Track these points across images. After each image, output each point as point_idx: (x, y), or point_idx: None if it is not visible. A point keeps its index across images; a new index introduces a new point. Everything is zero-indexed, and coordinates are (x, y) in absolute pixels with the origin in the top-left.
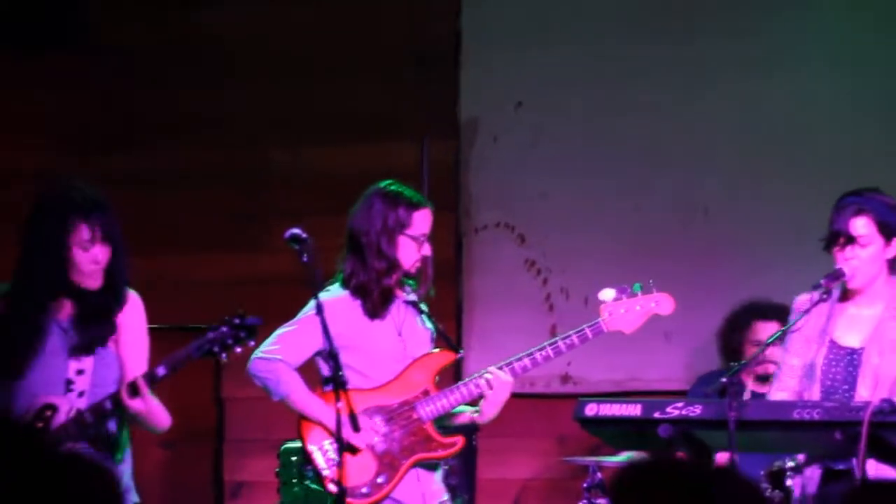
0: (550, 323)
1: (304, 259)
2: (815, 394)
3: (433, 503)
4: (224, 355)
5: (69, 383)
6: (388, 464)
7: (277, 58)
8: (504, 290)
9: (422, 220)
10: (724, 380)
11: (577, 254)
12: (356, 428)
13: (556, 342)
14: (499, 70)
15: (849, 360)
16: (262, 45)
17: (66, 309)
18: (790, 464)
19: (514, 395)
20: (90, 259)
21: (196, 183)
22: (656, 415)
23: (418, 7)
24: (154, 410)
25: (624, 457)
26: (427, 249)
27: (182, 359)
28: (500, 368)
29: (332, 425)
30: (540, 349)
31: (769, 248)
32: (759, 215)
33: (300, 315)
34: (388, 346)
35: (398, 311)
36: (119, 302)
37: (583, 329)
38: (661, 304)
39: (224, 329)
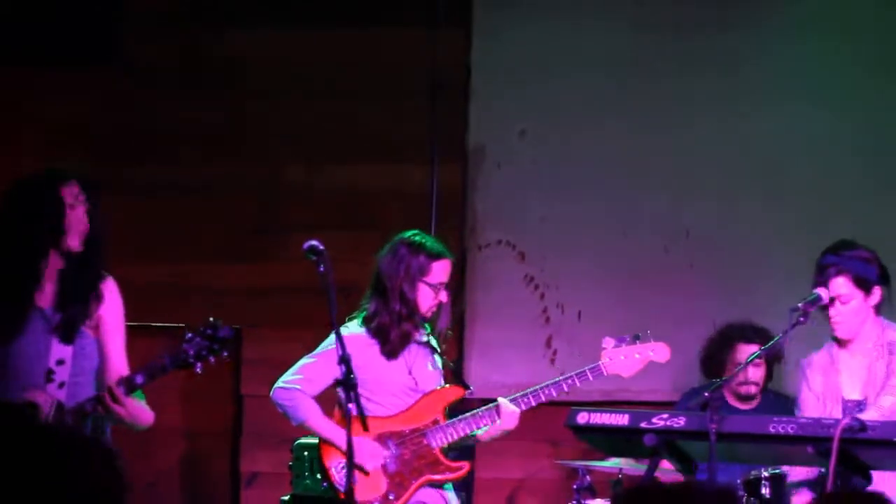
0: (546, 335)
1: (321, 269)
2: None
3: None
4: (199, 366)
5: (50, 373)
6: (398, 483)
7: (298, 79)
8: (504, 304)
9: (440, 270)
10: (706, 395)
11: (572, 271)
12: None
13: (559, 382)
14: (504, 101)
15: (858, 412)
16: (284, 67)
17: (48, 292)
18: (765, 473)
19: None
20: (77, 217)
21: (216, 195)
22: (643, 425)
23: (432, 40)
24: (134, 412)
25: (613, 462)
26: (444, 296)
27: (158, 368)
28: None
29: (344, 447)
30: (544, 387)
31: (750, 270)
32: (740, 238)
33: (321, 348)
34: (399, 382)
35: (409, 352)
36: (97, 273)
37: (584, 371)
38: (658, 352)
39: (199, 340)
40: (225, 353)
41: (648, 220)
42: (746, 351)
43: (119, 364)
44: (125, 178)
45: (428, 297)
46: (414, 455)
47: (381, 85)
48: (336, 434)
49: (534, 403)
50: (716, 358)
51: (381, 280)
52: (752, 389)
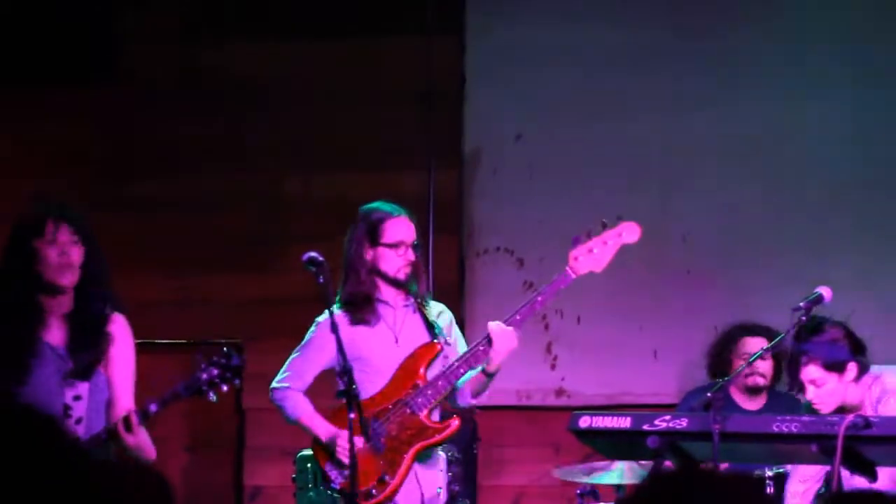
0: (546, 340)
1: (321, 280)
2: None
3: None
4: (212, 395)
5: (67, 409)
6: (390, 461)
7: (293, 90)
8: (503, 310)
9: (394, 228)
10: (709, 395)
11: None
12: (367, 437)
13: (534, 297)
14: (499, 106)
15: None
16: (280, 78)
17: (57, 332)
18: (769, 472)
19: (512, 408)
20: (57, 252)
21: (215, 208)
22: (645, 427)
23: (426, 47)
24: (143, 445)
25: (614, 471)
26: (410, 255)
27: (171, 397)
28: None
29: (326, 442)
30: (522, 306)
31: (749, 272)
32: (739, 241)
33: (304, 339)
34: (385, 356)
35: (395, 319)
36: (102, 308)
37: (555, 280)
38: (628, 232)
39: (213, 371)
40: (237, 382)
41: (646, 224)
42: (751, 343)
43: (125, 400)
44: (126, 193)
45: (391, 259)
46: (400, 428)
47: (375, 93)
48: (325, 431)
49: (519, 319)
50: (722, 355)
51: (345, 258)
52: (760, 381)
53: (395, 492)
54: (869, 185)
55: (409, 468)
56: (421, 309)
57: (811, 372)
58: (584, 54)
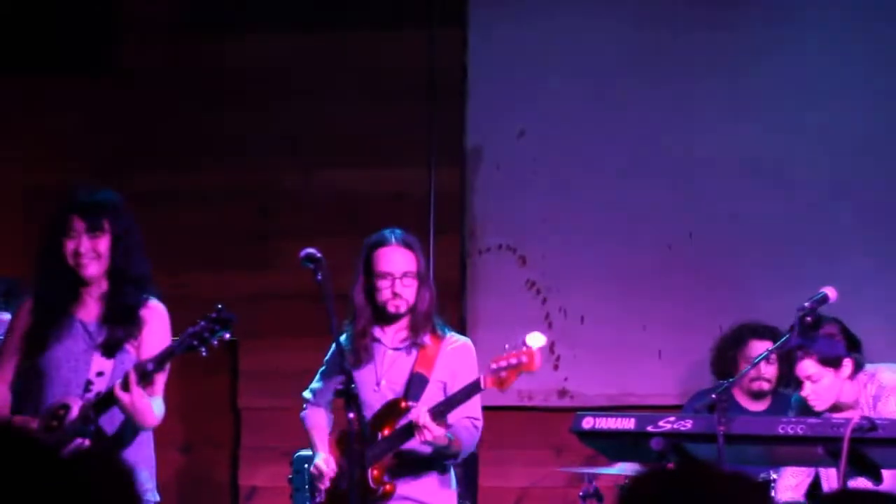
0: (550, 340)
1: (318, 278)
2: None
3: None
4: (203, 349)
5: (88, 384)
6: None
7: (294, 84)
8: (506, 309)
9: (384, 258)
10: (713, 396)
11: (575, 275)
12: (365, 436)
13: (454, 397)
14: (502, 102)
15: None
16: (280, 72)
17: (92, 310)
18: (774, 476)
19: (514, 409)
20: (73, 248)
21: (214, 203)
22: (649, 428)
23: (429, 41)
24: (139, 406)
25: (617, 469)
26: (398, 287)
27: (166, 354)
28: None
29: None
30: (445, 401)
31: (754, 272)
32: (744, 240)
33: (328, 355)
34: (370, 392)
35: (384, 361)
36: (135, 293)
37: (468, 387)
38: (528, 359)
39: (202, 323)
40: (227, 335)
41: (651, 222)
42: (758, 347)
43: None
44: (123, 187)
45: (379, 290)
46: (361, 476)
47: (377, 88)
48: (316, 449)
49: (442, 411)
50: (727, 356)
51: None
52: (765, 386)
53: None
54: (877, 185)
55: None
56: (419, 351)
57: (807, 367)
58: (588, 50)
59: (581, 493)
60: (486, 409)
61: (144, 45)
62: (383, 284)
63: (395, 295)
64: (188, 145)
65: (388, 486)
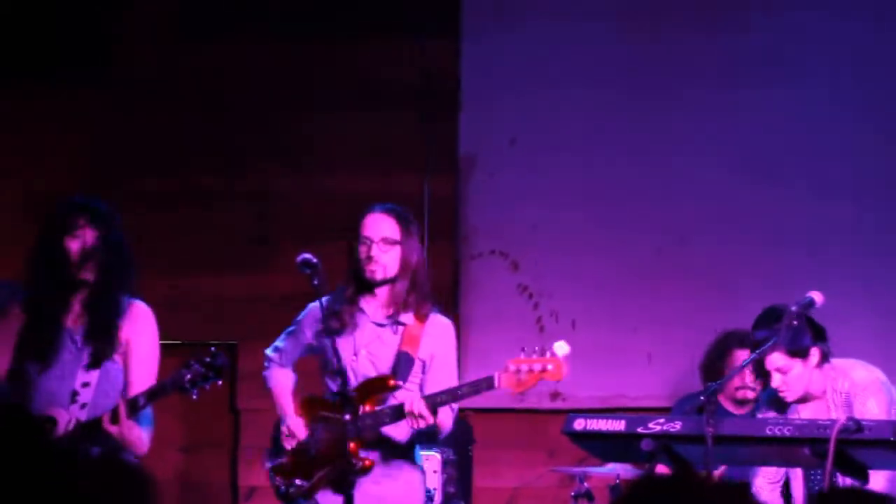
0: (542, 343)
1: (315, 282)
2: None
3: None
4: (195, 392)
5: (74, 394)
6: (306, 470)
7: (290, 92)
8: (498, 314)
9: (366, 223)
10: (701, 398)
11: (566, 280)
12: (360, 439)
13: (458, 389)
14: (495, 110)
15: None
16: (277, 80)
17: (79, 321)
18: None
19: (508, 411)
20: (78, 246)
21: (211, 207)
22: (639, 430)
23: (422, 50)
24: (129, 438)
25: (608, 469)
26: (374, 250)
27: (158, 391)
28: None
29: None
30: (445, 392)
31: (746, 275)
32: (735, 243)
33: (299, 317)
34: (348, 362)
35: (365, 333)
36: (118, 297)
37: (479, 382)
38: (554, 369)
39: (197, 367)
40: (219, 382)
41: (642, 226)
42: (743, 356)
43: (139, 387)
44: (116, 192)
45: (360, 253)
46: (329, 443)
47: (372, 95)
48: (281, 411)
49: (440, 402)
50: (714, 365)
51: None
52: (750, 394)
53: (300, 497)
54: (867, 190)
55: (320, 483)
56: (404, 329)
57: (776, 359)
58: (579, 59)
59: (573, 493)
60: (478, 410)
61: (140, 51)
62: (362, 249)
63: (369, 258)
64: (183, 150)
65: (367, 461)
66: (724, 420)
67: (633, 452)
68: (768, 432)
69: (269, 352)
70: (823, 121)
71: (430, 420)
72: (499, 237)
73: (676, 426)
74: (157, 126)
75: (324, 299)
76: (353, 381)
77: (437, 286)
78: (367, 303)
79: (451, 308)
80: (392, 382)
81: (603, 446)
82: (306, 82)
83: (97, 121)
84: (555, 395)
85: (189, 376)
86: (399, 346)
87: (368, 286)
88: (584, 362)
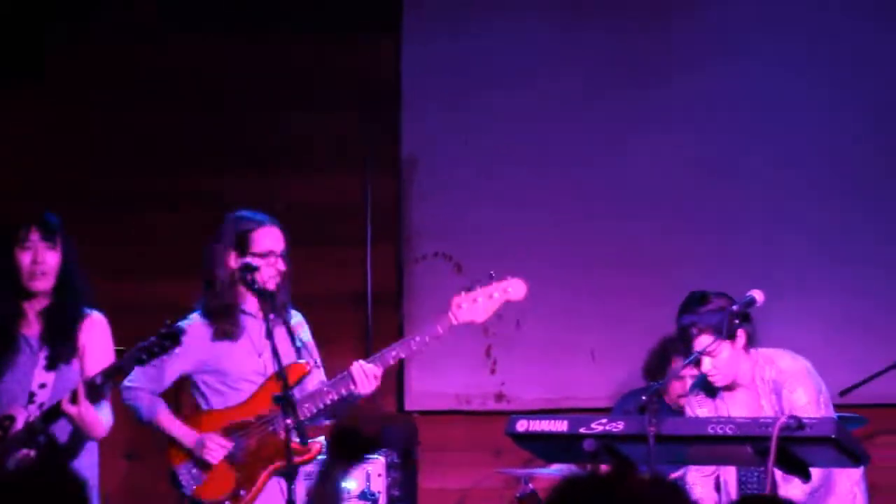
0: (486, 344)
1: (255, 287)
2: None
3: None
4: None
5: (31, 395)
6: (247, 476)
7: (232, 93)
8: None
9: (264, 237)
10: (643, 398)
11: None
12: (304, 439)
13: (407, 340)
14: (437, 110)
15: None
16: (219, 81)
17: (34, 325)
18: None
19: (453, 413)
20: (30, 259)
21: (154, 208)
22: (582, 430)
23: (365, 49)
24: (88, 418)
25: (553, 470)
26: (280, 265)
27: (114, 368)
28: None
29: (191, 445)
30: (393, 347)
31: (693, 277)
32: (683, 246)
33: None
34: (247, 369)
35: (260, 332)
36: (76, 307)
37: (434, 326)
38: (515, 288)
39: (152, 339)
40: (176, 350)
41: (586, 227)
42: (681, 363)
43: None
44: (83, 193)
45: (261, 269)
46: (260, 444)
47: (313, 96)
48: (190, 434)
49: (390, 362)
50: (658, 362)
51: (207, 266)
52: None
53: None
54: (818, 189)
55: (264, 485)
56: (287, 322)
57: (704, 342)
58: (521, 58)
59: (518, 495)
60: (425, 413)
61: (86, 51)
62: (266, 263)
63: (277, 273)
64: (128, 150)
65: (318, 442)
66: (666, 419)
67: (576, 453)
68: (710, 431)
69: (129, 384)
70: (774, 117)
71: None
72: (442, 239)
73: (619, 426)
74: (101, 125)
75: (188, 322)
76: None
77: (381, 289)
78: (252, 305)
79: (394, 311)
80: (308, 368)
81: (546, 447)
82: (245, 83)
83: (56, 123)
84: (499, 397)
85: (144, 346)
86: (289, 334)
87: (260, 294)
88: (529, 363)
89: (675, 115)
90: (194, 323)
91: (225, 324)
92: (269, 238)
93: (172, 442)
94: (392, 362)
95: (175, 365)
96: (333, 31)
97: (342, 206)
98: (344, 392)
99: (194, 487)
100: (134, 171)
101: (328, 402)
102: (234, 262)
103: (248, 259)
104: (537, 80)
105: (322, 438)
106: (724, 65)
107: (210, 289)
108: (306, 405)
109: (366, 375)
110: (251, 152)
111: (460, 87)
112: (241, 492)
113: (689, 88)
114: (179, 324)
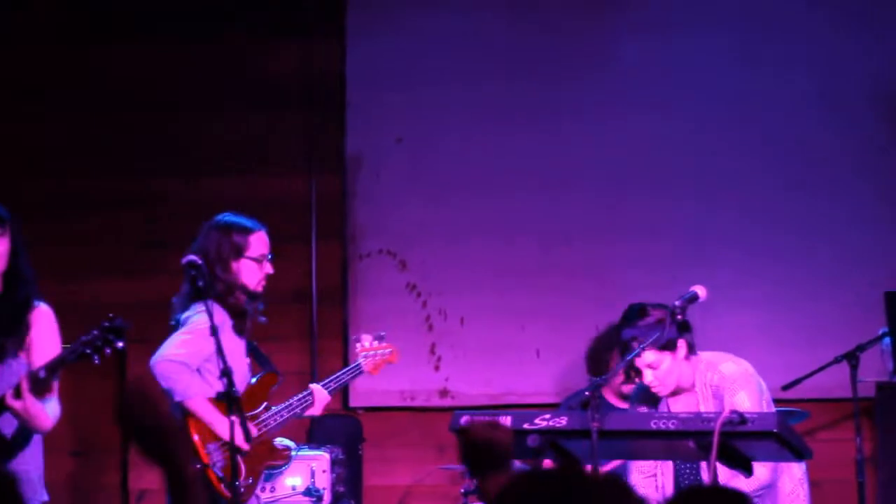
0: (431, 341)
1: (200, 283)
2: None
3: None
4: (96, 358)
5: None
6: (251, 467)
7: (177, 93)
8: (387, 312)
9: (258, 242)
10: (586, 393)
11: (454, 278)
12: (248, 437)
13: (340, 375)
14: (380, 108)
15: None
16: (162, 81)
17: None
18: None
19: (397, 409)
20: None
21: (101, 210)
22: (526, 426)
23: (306, 49)
24: (32, 411)
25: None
26: (269, 268)
27: (58, 362)
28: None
29: (222, 431)
30: (338, 375)
31: (632, 272)
32: (621, 240)
33: (192, 325)
34: (242, 364)
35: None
36: (26, 297)
37: (351, 369)
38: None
39: (95, 332)
40: (120, 344)
41: (528, 224)
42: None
43: None
44: (12, 196)
45: (253, 272)
46: (257, 439)
47: (257, 96)
48: (218, 418)
49: (334, 387)
50: (601, 358)
51: (214, 264)
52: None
53: (249, 496)
54: (753, 183)
55: (258, 481)
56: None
57: (646, 356)
58: (464, 57)
59: (462, 490)
60: (369, 409)
61: (27, 52)
62: (258, 266)
63: (265, 276)
64: (73, 153)
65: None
66: (609, 414)
67: (521, 448)
68: (653, 426)
69: (174, 358)
70: (709, 117)
71: None
72: (386, 236)
73: (562, 421)
74: (45, 129)
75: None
76: (248, 378)
77: (326, 287)
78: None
79: (339, 308)
80: (279, 379)
81: None
82: (191, 82)
83: None
84: (444, 393)
85: (87, 340)
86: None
87: (250, 297)
88: (473, 359)
89: (616, 104)
90: (217, 312)
91: (243, 322)
92: (262, 242)
93: (197, 422)
94: (334, 391)
95: (206, 348)
96: (278, 29)
97: (287, 203)
98: (298, 411)
99: (221, 465)
100: (75, 173)
101: (289, 415)
102: (222, 268)
103: (245, 262)
104: (480, 78)
105: (290, 443)
106: (658, 64)
107: (225, 288)
108: (279, 415)
109: (322, 402)
110: (196, 150)
111: (403, 84)
112: (250, 479)
113: (631, 82)
114: (121, 322)
